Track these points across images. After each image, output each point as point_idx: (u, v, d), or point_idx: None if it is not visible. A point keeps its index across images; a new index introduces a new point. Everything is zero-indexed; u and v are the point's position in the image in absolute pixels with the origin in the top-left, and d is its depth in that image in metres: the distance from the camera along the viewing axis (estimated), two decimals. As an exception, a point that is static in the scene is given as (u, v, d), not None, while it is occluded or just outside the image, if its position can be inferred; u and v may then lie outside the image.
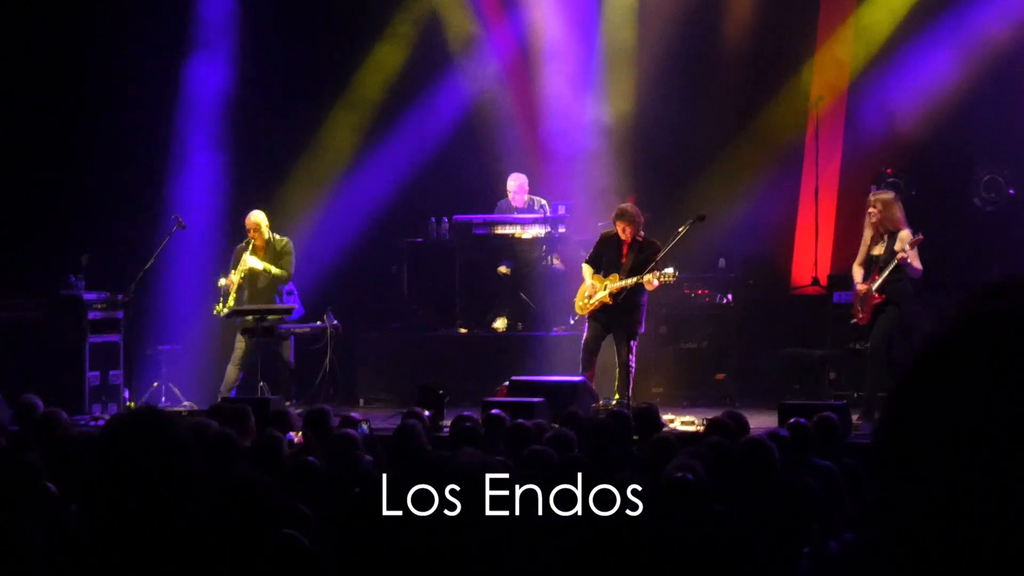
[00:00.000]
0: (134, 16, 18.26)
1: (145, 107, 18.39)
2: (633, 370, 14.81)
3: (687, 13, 18.21)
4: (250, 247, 16.32)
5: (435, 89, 18.99)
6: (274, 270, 16.28)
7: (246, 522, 5.11)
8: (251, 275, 16.30)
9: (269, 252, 16.37)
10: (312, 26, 18.99)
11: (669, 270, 14.64)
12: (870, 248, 14.23)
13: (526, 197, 17.68)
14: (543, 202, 17.62)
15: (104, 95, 18.41)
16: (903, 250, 13.76)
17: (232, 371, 16.17)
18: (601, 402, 14.59)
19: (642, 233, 15.06)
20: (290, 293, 16.60)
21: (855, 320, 14.48)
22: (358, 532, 5.58)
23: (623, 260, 15.02)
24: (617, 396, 14.71)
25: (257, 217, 16.36)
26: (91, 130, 18.36)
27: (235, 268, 16.29)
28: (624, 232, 14.98)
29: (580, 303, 15.29)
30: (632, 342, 14.83)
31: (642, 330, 15.04)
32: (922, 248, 13.97)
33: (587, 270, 15.29)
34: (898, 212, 14.08)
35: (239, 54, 18.97)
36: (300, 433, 10.68)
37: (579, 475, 7.06)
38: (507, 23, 19.16)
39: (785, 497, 7.59)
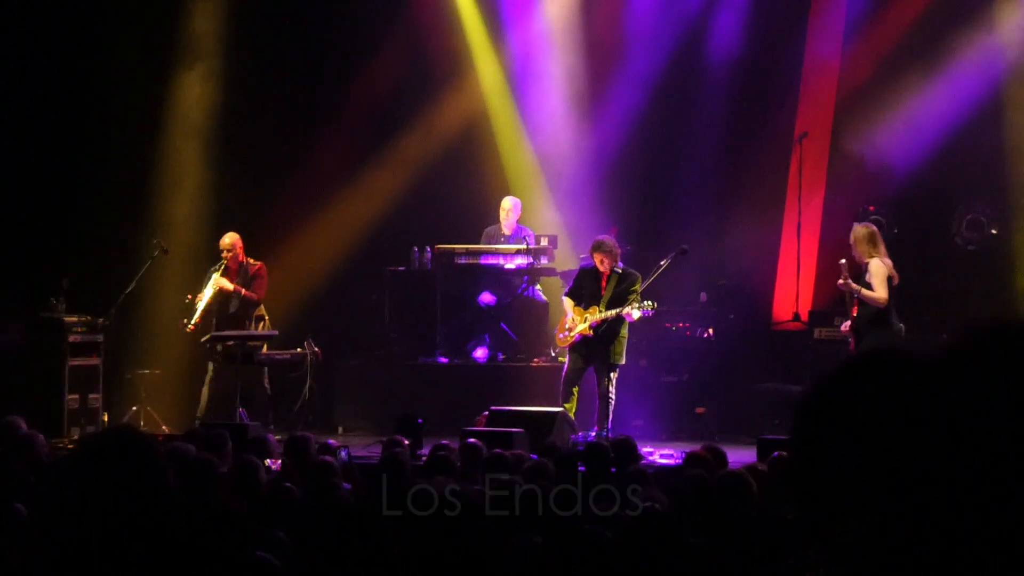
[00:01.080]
0: (119, 38, 18.27)
1: (129, 131, 18.38)
2: (613, 401, 14.84)
3: (672, 47, 18.28)
4: (222, 268, 16.36)
5: (421, 117, 19.01)
6: (243, 292, 16.32)
7: (221, 546, 5.10)
8: (222, 298, 16.32)
9: (241, 275, 16.42)
10: (298, 52, 19.02)
11: (648, 302, 14.69)
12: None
13: (515, 225, 17.71)
14: (529, 232, 17.63)
15: (87, 120, 18.40)
16: (851, 286, 13.82)
17: (205, 393, 16.23)
18: (580, 433, 14.60)
19: (620, 264, 15.09)
20: (261, 318, 16.63)
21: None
22: (335, 558, 5.57)
23: (602, 292, 15.06)
24: (597, 428, 14.72)
25: (232, 238, 16.43)
26: (73, 153, 18.36)
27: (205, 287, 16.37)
28: (602, 264, 15.03)
29: (560, 335, 15.33)
30: (612, 373, 14.86)
31: (623, 361, 15.06)
32: (903, 286, 14.00)
33: (568, 303, 15.32)
34: (864, 245, 14.02)
35: (225, 78, 18.97)
36: (278, 460, 10.66)
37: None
38: (493, 53, 19.21)
39: (761, 531, 7.58)
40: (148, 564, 3.43)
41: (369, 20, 19.02)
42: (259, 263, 16.59)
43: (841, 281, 13.83)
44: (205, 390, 16.29)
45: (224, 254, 16.40)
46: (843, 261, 13.87)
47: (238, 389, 15.98)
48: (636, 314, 14.73)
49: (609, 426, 14.71)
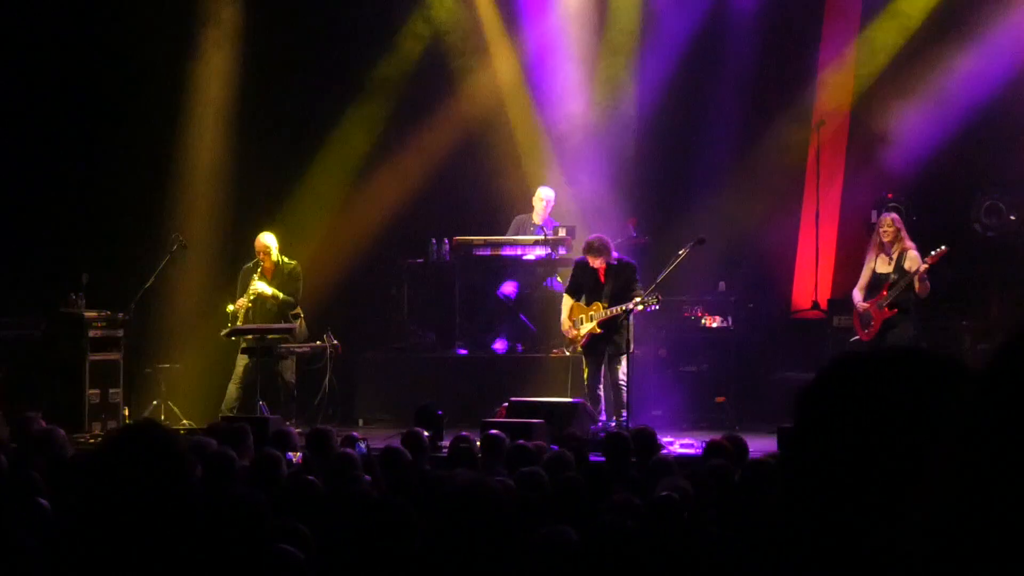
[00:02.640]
0: (137, 34, 18.27)
1: (147, 125, 18.38)
2: (625, 388, 14.82)
3: (689, 36, 18.25)
4: (259, 270, 16.35)
5: (438, 110, 19.00)
6: (282, 296, 16.33)
7: (242, 540, 5.11)
8: (259, 298, 16.33)
9: (277, 275, 16.41)
10: (317, 43, 19.01)
11: (651, 298, 14.65)
12: (874, 268, 14.41)
13: (547, 216, 17.69)
14: (557, 224, 17.60)
15: (105, 115, 18.42)
16: (923, 263, 14.00)
17: (232, 389, 16.23)
18: (601, 423, 14.62)
19: (615, 255, 15.06)
20: (297, 316, 16.64)
21: (857, 338, 14.59)
22: (357, 550, 5.58)
23: (602, 285, 15.05)
24: (616, 417, 14.72)
25: (267, 240, 16.41)
26: (92, 148, 18.38)
27: (243, 292, 16.33)
28: (595, 263, 15.00)
29: (571, 335, 15.26)
30: (622, 359, 14.84)
31: (633, 348, 15.05)
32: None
33: (567, 301, 15.32)
34: (904, 231, 14.37)
35: (242, 72, 18.98)
36: (299, 453, 10.67)
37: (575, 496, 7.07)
38: (510, 45, 19.20)
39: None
40: (170, 558, 3.44)
41: (383, 13, 19.01)
42: (293, 262, 16.60)
43: (926, 264, 14.02)
44: (234, 387, 16.25)
45: (260, 255, 16.40)
46: (943, 248, 14.09)
47: (258, 383, 16.00)
48: (640, 307, 14.71)
49: (624, 414, 14.72)
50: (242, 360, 16.25)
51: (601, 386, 15.13)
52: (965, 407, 1.69)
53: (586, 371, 15.26)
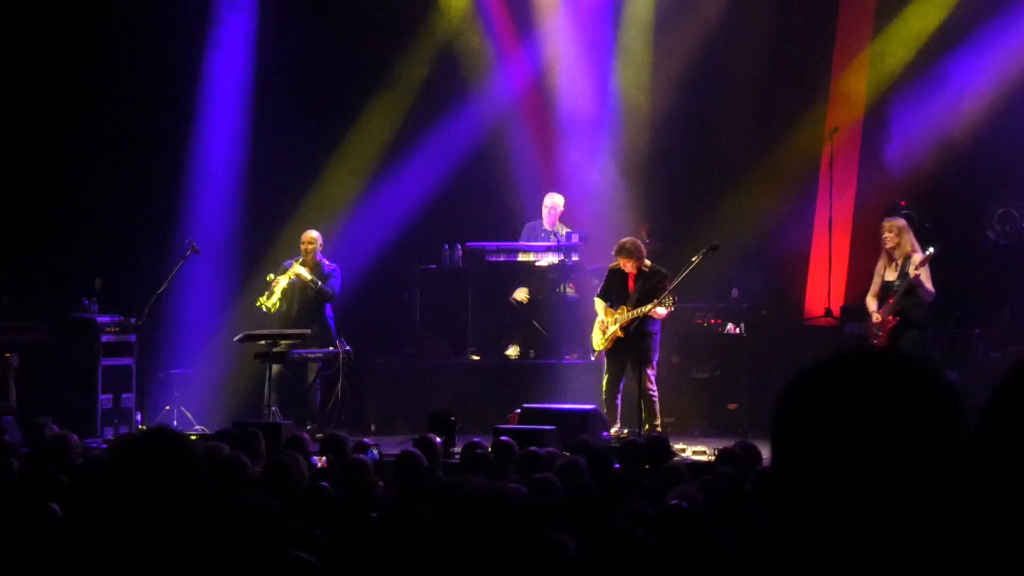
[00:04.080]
0: (150, 38, 18.29)
1: (160, 133, 18.42)
2: (656, 397, 14.86)
3: (702, 43, 18.24)
4: (301, 260, 16.47)
5: (450, 117, 19.01)
6: (320, 284, 16.39)
7: (255, 545, 5.11)
8: (301, 286, 16.40)
9: (316, 272, 16.50)
10: (328, 52, 19.03)
11: (669, 299, 14.71)
12: (884, 276, 14.37)
13: (557, 222, 17.73)
14: (567, 230, 17.63)
15: (119, 121, 18.43)
16: (915, 269, 13.92)
17: (269, 391, 16.24)
18: (614, 430, 14.63)
19: (647, 262, 15.09)
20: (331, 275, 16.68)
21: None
22: (371, 556, 5.58)
23: (630, 291, 15.07)
24: (647, 426, 14.70)
25: (314, 233, 16.58)
26: (105, 154, 18.40)
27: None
28: (626, 266, 15.04)
29: (597, 338, 15.34)
30: (649, 370, 14.88)
31: (656, 357, 15.08)
32: (935, 280, 14.04)
33: (599, 304, 15.35)
34: (910, 237, 14.29)
35: (255, 78, 19.01)
36: (324, 458, 10.68)
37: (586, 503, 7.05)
38: (523, 52, 19.21)
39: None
40: (184, 564, 3.44)
41: (397, 17, 19.02)
42: (335, 264, 16.70)
43: (916, 271, 13.95)
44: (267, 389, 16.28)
45: (305, 245, 16.51)
46: (931, 251, 14.01)
47: (269, 387, 16.01)
48: (661, 311, 14.75)
49: (657, 421, 14.76)
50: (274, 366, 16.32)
51: (619, 395, 15.13)
52: (977, 434, 1.75)
53: (606, 376, 15.26)
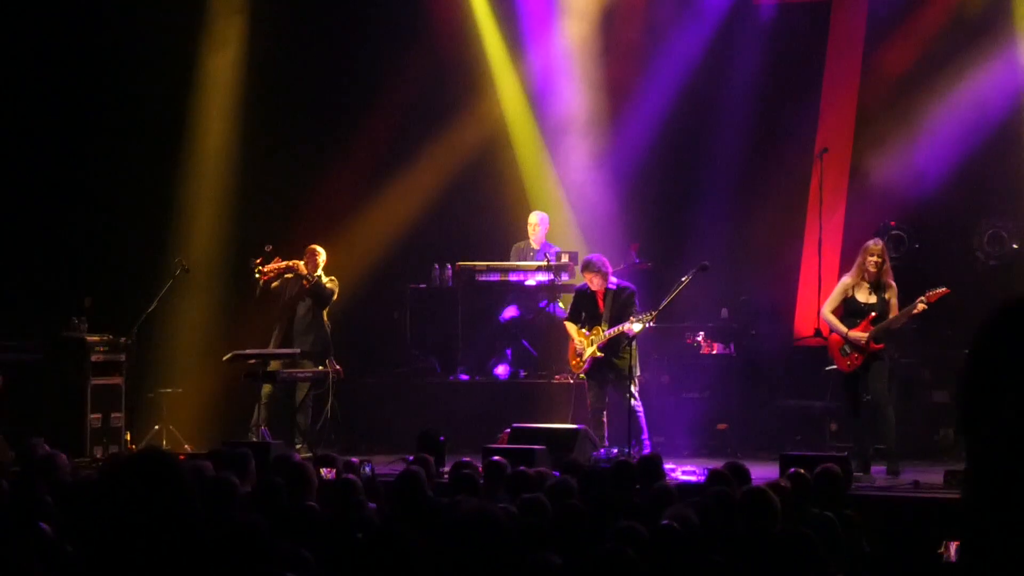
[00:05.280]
0: (138, 53, 18.30)
1: (150, 151, 18.42)
2: (642, 412, 14.86)
3: (693, 60, 18.28)
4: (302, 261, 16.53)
5: (440, 137, 19.02)
6: (315, 279, 16.38)
7: (245, 565, 5.11)
8: (296, 274, 16.37)
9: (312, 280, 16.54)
10: (317, 70, 19.04)
11: (645, 315, 14.70)
12: (854, 294, 14.18)
13: (544, 240, 17.75)
14: (556, 249, 17.65)
15: (108, 138, 18.43)
16: (921, 302, 13.80)
17: (260, 410, 16.22)
18: (603, 450, 14.62)
19: (613, 280, 15.13)
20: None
21: (835, 367, 14.52)
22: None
23: (600, 310, 15.10)
24: (633, 441, 14.70)
25: (319, 247, 16.57)
26: (95, 172, 18.39)
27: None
28: (592, 283, 15.08)
29: (573, 362, 15.37)
30: (632, 386, 14.86)
31: (639, 372, 15.09)
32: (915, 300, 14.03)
33: (571, 327, 15.39)
34: (888, 264, 14.21)
35: (243, 98, 19.02)
36: (333, 469, 10.69)
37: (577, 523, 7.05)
38: (513, 68, 19.24)
39: (784, 547, 7.57)
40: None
41: (386, 40, 19.05)
42: (334, 279, 16.71)
43: (924, 306, 13.83)
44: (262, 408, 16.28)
45: (308, 255, 16.57)
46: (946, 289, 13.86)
47: (258, 408, 16.01)
48: (637, 327, 14.74)
49: (644, 437, 14.76)
50: (267, 386, 16.28)
51: (605, 412, 15.13)
52: None
53: (590, 396, 15.27)
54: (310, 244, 16.94)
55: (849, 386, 14.28)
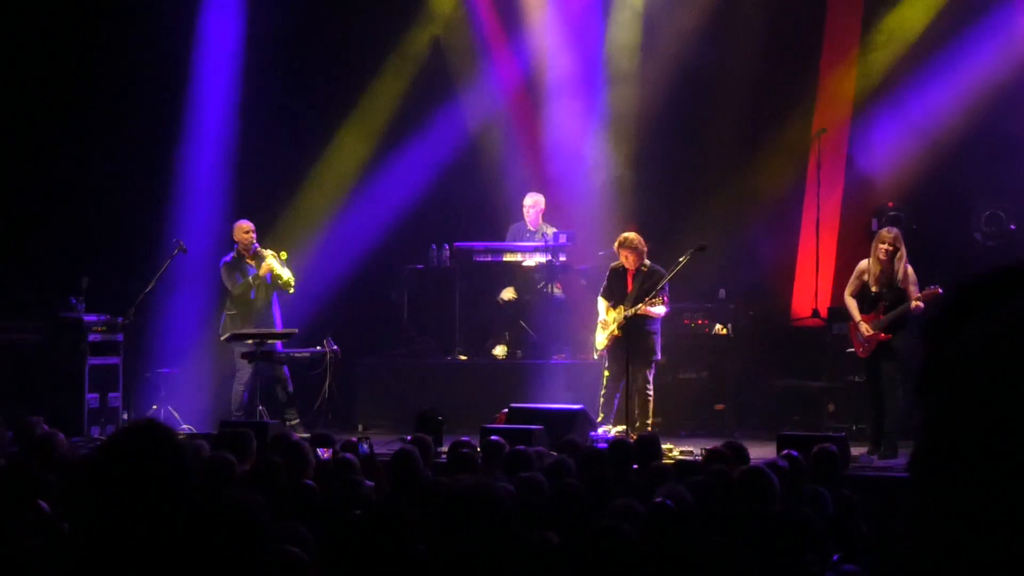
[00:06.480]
0: (136, 38, 18.30)
1: (147, 130, 18.41)
2: (651, 397, 14.89)
3: (690, 46, 18.24)
4: (268, 255, 16.48)
5: (438, 116, 19.01)
6: (285, 278, 16.43)
7: (244, 541, 5.11)
8: (273, 278, 16.44)
9: (257, 260, 16.53)
10: (316, 54, 19.03)
11: (660, 298, 14.76)
12: (869, 282, 14.12)
13: (540, 222, 17.74)
14: (553, 230, 17.64)
15: (105, 119, 18.42)
16: (918, 302, 13.73)
17: (238, 391, 16.24)
18: (602, 429, 14.65)
19: (647, 262, 15.10)
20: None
21: (853, 350, 14.51)
22: (357, 555, 5.58)
23: (628, 290, 15.10)
24: (637, 423, 14.74)
25: (247, 223, 16.76)
26: (92, 153, 18.38)
27: (232, 283, 16.46)
28: (627, 260, 15.06)
29: (599, 337, 15.36)
30: (648, 370, 14.91)
31: (658, 357, 15.11)
32: (921, 283, 13.97)
33: (601, 303, 15.38)
34: (903, 248, 14.06)
35: (242, 80, 19.01)
36: (329, 449, 10.69)
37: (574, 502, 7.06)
38: (510, 52, 19.22)
39: (782, 527, 7.58)
40: (172, 557, 3.44)
41: (388, 18, 19.04)
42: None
43: (920, 304, 13.76)
44: (238, 387, 16.30)
45: (250, 236, 16.68)
46: (939, 290, 13.77)
47: (257, 387, 16.03)
48: (659, 310, 14.79)
49: (649, 420, 14.79)
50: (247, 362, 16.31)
51: (618, 394, 15.13)
52: None
53: (606, 374, 15.28)
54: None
55: (867, 369, 14.35)
